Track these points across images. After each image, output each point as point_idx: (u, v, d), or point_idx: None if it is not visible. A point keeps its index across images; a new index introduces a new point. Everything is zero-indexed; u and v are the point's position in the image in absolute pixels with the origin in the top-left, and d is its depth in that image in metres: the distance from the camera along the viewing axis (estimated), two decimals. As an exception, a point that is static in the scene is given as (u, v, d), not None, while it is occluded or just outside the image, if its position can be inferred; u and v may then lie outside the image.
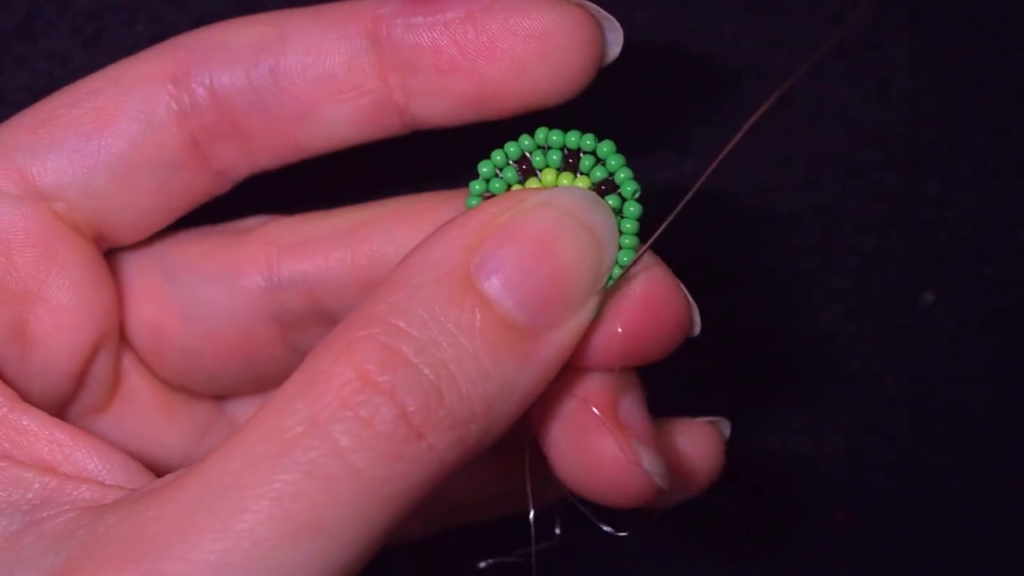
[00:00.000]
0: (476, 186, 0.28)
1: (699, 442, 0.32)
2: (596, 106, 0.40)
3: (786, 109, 0.41)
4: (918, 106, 0.42)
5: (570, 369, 0.27)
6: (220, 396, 0.35)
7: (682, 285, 0.28)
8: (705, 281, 0.42)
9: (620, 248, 0.27)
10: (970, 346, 0.44)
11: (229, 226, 0.34)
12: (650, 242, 0.27)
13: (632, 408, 0.29)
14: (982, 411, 0.45)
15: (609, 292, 0.27)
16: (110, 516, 0.23)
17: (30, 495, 0.25)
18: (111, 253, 0.33)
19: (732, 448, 0.44)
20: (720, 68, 0.41)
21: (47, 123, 0.30)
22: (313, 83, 0.30)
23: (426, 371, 0.24)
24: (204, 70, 0.30)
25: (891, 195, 0.42)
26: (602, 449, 0.28)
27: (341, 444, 0.23)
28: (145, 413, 0.33)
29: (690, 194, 0.27)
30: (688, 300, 0.29)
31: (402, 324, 0.24)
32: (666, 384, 0.43)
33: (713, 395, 0.44)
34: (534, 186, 0.28)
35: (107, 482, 0.26)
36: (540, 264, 0.25)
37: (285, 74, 0.30)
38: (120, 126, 0.30)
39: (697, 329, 0.29)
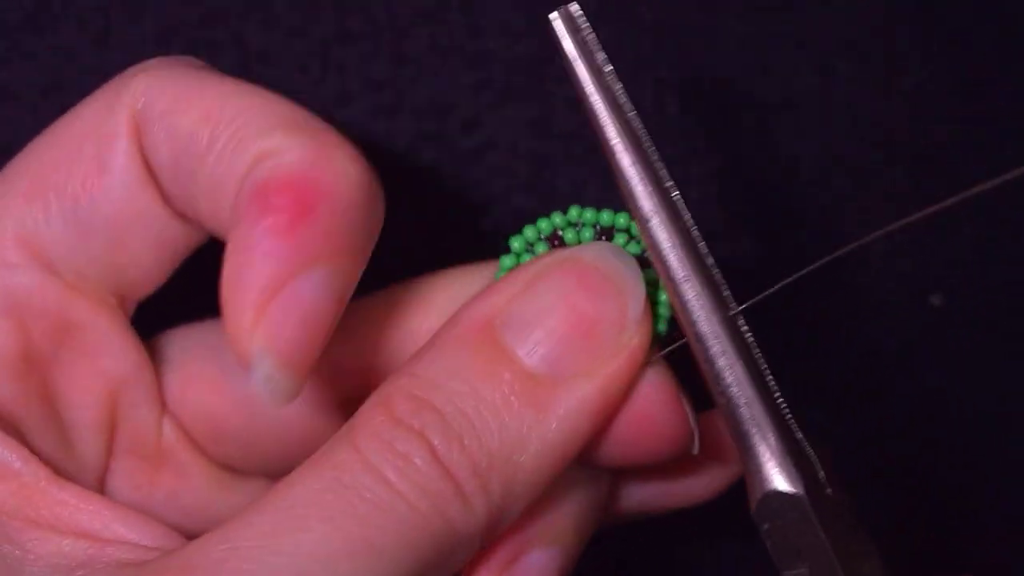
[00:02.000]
0: (507, 261, 0.29)
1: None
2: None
3: (794, 109, 0.41)
4: (926, 106, 0.42)
5: None
6: (275, 474, 0.35)
7: (687, 407, 0.28)
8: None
9: (656, 317, 0.27)
10: (978, 346, 0.44)
11: None
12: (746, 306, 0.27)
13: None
14: (990, 411, 0.45)
15: (648, 350, 0.27)
16: (153, 563, 0.24)
17: (70, 560, 0.25)
18: (162, 334, 0.33)
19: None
20: (729, 68, 0.41)
21: (40, 190, 0.29)
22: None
23: (449, 419, 0.25)
24: (154, 131, 0.29)
25: (899, 195, 0.42)
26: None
27: (387, 475, 0.24)
28: (196, 489, 0.33)
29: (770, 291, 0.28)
30: (689, 423, 0.28)
31: (430, 374, 0.25)
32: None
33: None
34: None
35: (148, 546, 0.26)
36: (560, 315, 0.26)
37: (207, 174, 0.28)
38: (106, 191, 0.29)
39: (695, 450, 0.29)
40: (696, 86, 0.40)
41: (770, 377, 0.27)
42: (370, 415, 0.25)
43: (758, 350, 0.27)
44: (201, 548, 0.24)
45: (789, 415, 0.27)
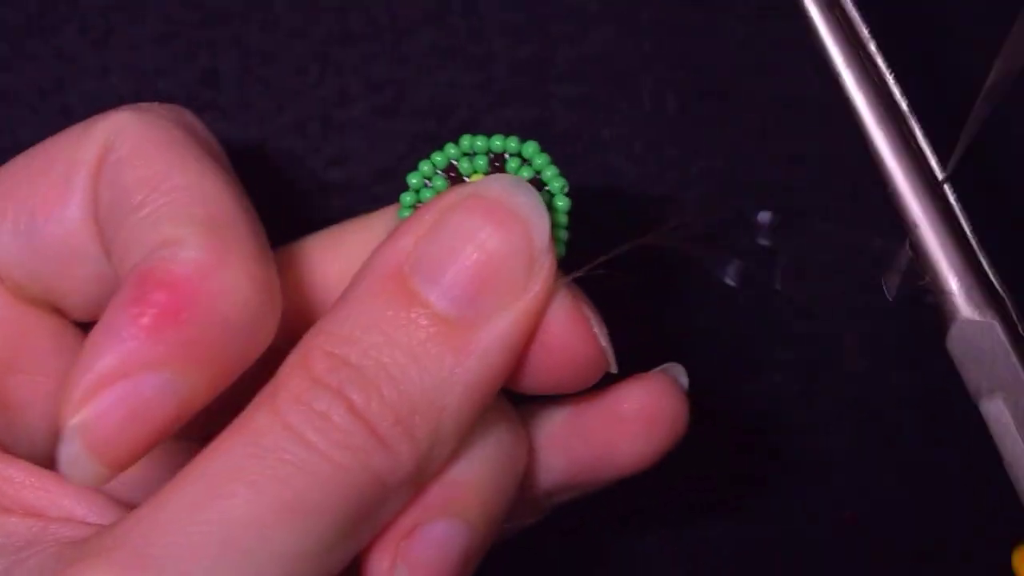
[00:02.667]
0: (407, 197, 0.29)
1: (657, 393, 0.32)
2: (602, 109, 0.40)
3: (796, 108, 0.41)
4: (924, 107, 0.41)
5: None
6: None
7: (597, 323, 0.28)
8: (714, 280, 0.42)
9: (556, 241, 0.27)
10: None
11: None
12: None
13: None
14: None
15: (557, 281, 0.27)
16: (88, 540, 0.24)
17: (16, 539, 0.25)
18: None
19: (741, 448, 0.44)
20: (729, 68, 0.40)
21: (3, 201, 0.29)
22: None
23: (367, 372, 0.25)
24: (105, 178, 0.29)
25: (900, 195, 0.42)
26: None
27: (307, 436, 0.24)
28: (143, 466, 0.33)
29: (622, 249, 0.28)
30: (600, 341, 0.28)
31: (344, 331, 0.25)
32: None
33: (720, 393, 0.44)
34: None
35: (92, 523, 0.26)
36: (467, 255, 0.26)
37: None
38: (62, 214, 0.29)
39: (613, 368, 0.29)
40: (696, 86, 0.40)
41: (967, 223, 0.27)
42: (288, 377, 0.25)
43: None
44: (129, 524, 0.24)
45: (984, 257, 0.27)
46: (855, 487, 0.45)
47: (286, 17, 0.39)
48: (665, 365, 0.32)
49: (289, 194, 0.38)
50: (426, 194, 0.29)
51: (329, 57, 0.39)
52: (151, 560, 0.23)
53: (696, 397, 0.43)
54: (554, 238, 0.27)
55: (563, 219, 0.28)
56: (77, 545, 0.24)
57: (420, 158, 0.29)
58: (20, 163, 0.29)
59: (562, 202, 0.28)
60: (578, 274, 0.28)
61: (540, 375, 0.28)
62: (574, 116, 0.40)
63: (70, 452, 0.25)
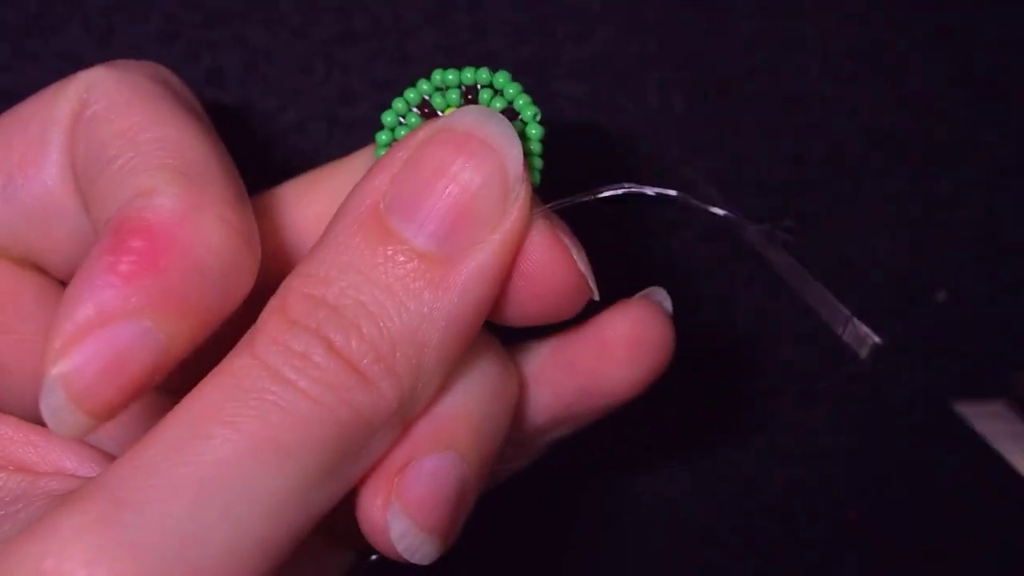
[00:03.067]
0: (383, 136, 0.28)
1: (641, 317, 0.31)
2: (606, 108, 0.40)
3: (799, 109, 0.41)
4: (929, 106, 0.42)
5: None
6: None
7: (576, 250, 0.28)
8: (718, 279, 0.42)
9: (530, 170, 0.27)
10: (983, 345, 0.44)
11: None
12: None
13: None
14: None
15: (529, 212, 0.27)
16: (75, 492, 0.24)
17: (6, 493, 0.25)
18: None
19: (746, 447, 0.44)
20: (734, 67, 0.41)
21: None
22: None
23: (345, 311, 0.25)
24: (80, 135, 0.29)
25: (903, 195, 0.42)
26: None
27: (286, 374, 0.24)
28: (129, 421, 0.32)
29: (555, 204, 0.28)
30: (579, 267, 0.28)
31: (322, 271, 0.25)
32: (681, 383, 0.43)
33: (725, 392, 0.44)
34: None
35: (83, 476, 0.26)
36: (441, 189, 0.25)
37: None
38: (40, 173, 0.29)
39: (595, 296, 0.29)
40: (700, 85, 0.40)
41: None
42: (266, 321, 0.25)
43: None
44: (111, 471, 0.23)
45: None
46: (857, 487, 0.45)
47: (289, 16, 0.39)
48: (647, 290, 0.32)
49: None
50: (401, 132, 0.28)
51: (333, 56, 0.39)
52: (130, 504, 0.22)
53: (696, 395, 0.43)
54: (528, 167, 0.27)
55: (537, 147, 0.28)
56: (64, 496, 0.24)
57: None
58: (6, 120, 0.29)
59: (535, 130, 0.28)
60: (558, 204, 0.28)
61: (523, 305, 0.28)
62: (578, 114, 0.40)
63: (52, 402, 0.24)
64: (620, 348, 0.31)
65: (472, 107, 0.27)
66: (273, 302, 0.25)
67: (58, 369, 0.24)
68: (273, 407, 0.24)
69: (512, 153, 0.26)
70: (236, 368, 0.24)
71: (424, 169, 0.26)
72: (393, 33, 0.39)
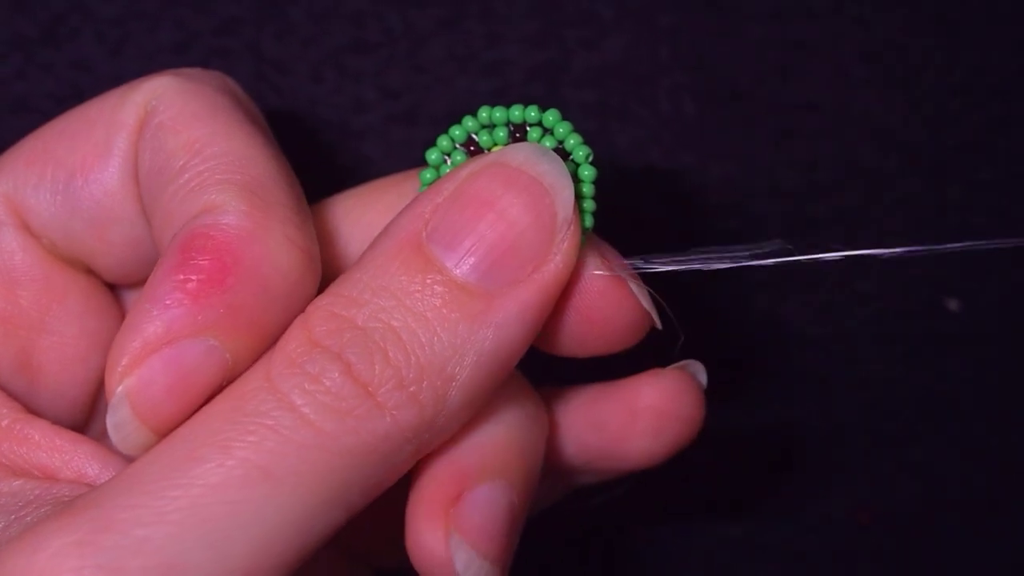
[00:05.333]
0: (427, 175, 0.28)
1: (674, 391, 0.31)
2: (618, 114, 0.40)
3: (811, 114, 0.41)
4: (942, 111, 0.42)
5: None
6: None
7: (636, 284, 0.28)
8: (730, 284, 0.42)
9: (582, 212, 0.27)
10: (995, 350, 0.44)
11: None
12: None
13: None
14: (1006, 415, 0.45)
15: (577, 250, 0.26)
16: (74, 500, 0.24)
17: (20, 499, 0.25)
18: (122, 291, 0.32)
19: (757, 448, 0.44)
20: (745, 73, 0.40)
21: (40, 157, 0.29)
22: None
23: (373, 335, 0.24)
24: (147, 143, 0.28)
25: (915, 200, 0.42)
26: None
27: (292, 399, 0.24)
28: None
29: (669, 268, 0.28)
30: (642, 304, 0.28)
31: (355, 293, 0.25)
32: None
33: (735, 396, 0.44)
34: None
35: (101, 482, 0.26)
36: (488, 223, 0.25)
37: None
38: (101, 176, 0.29)
39: (658, 325, 0.28)
40: (713, 91, 0.40)
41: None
42: (288, 340, 0.25)
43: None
44: (108, 485, 0.23)
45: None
46: (870, 489, 0.45)
47: (301, 25, 0.39)
48: (684, 362, 0.32)
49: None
50: (445, 170, 0.28)
51: (345, 65, 0.39)
52: (114, 526, 0.22)
53: (710, 398, 0.43)
54: (580, 209, 0.27)
55: (589, 189, 0.27)
56: (64, 503, 0.24)
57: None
58: (60, 123, 0.29)
59: (588, 171, 0.27)
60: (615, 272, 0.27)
61: (583, 338, 0.28)
62: (590, 122, 0.40)
63: (118, 418, 0.25)
64: (649, 419, 0.31)
65: (526, 143, 0.26)
66: (299, 319, 0.25)
67: (125, 386, 0.24)
68: (270, 433, 0.23)
69: (564, 194, 0.25)
70: (244, 390, 0.24)
71: (472, 200, 0.25)
72: (405, 41, 0.39)
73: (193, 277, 0.25)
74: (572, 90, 0.40)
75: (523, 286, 0.25)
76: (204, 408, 0.24)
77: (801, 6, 0.40)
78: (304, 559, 0.24)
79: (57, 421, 0.29)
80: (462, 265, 0.25)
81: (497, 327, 0.25)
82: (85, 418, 0.31)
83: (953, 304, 0.43)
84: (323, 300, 0.25)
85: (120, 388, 0.24)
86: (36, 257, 0.29)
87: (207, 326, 0.25)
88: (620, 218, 0.40)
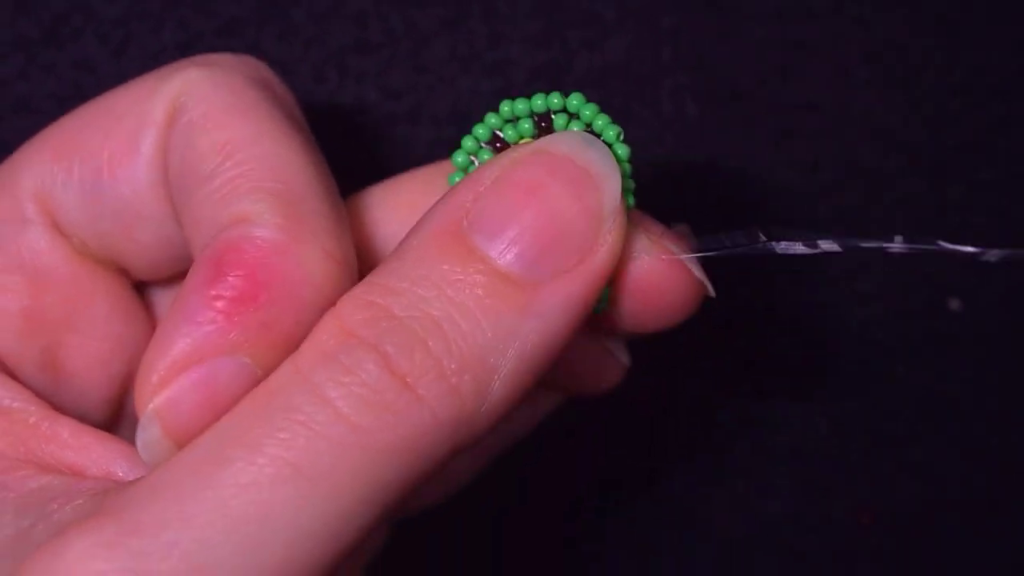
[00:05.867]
0: (456, 178, 0.27)
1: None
2: (620, 114, 0.40)
3: (812, 114, 0.41)
4: (942, 111, 0.42)
5: None
6: None
7: (688, 258, 0.27)
8: (732, 285, 0.42)
9: (627, 192, 0.26)
10: (996, 351, 0.44)
11: None
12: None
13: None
14: (1006, 415, 0.45)
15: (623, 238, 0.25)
16: (104, 495, 0.23)
17: (47, 494, 0.25)
18: (150, 289, 0.32)
19: (758, 447, 0.44)
20: (747, 74, 0.41)
21: (68, 152, 0.28)
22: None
23: (412, 324, 0.23)
24: (177, 140, 0.27)
25: (916, 200, 0.42)
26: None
27: (325, 392, 0.22)
28: None
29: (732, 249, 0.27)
30: (696, 276, 0.27)
31: (392, 282, 0.24)
32: (691, 383, 0.43)
33: (738, 396, 0.44)
34: None
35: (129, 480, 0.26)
36: (533, 212, 0.24)
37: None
38: (129, 174, 0.28)
39: (711, 292, 0.28)
40: (714, 92, 0.40)
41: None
42: (320, 329, 0.23)
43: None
44: (138, 486, 0.23)
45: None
46: (870, 489, 0.45)
47: (303, 25, 0.39)
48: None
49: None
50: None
51: (347, 65, 0.39)
52: (142, 528, 0.22)
53: (710, 398, 0.43)
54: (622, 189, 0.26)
55: (626, 167, 0.26)
56: (96, 499, 0.23)
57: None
58: (85, 115, 0.28)
59: (621, 149, 0.26)
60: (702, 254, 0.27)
61: (634, 318, 0.27)
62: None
63: (148, 436, 0.24)
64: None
65: (572, 132, 0.25)
66: (330, 311, 0.24)
67: (155, 404, 0.24)
68: (302, 429, 0.22)
69: (611, 183, 0.24)
70: (275, 384, 0.23)
71: (516, 189, 0.24)
72: (407, 42, 0.39)
73: (225, 294, 0.24)
74: (574, 89, 0.40)
75: (568, 276, 0.24)
76: (233, 409, 0.23)
77: (801, 7, 0.40)
78: (338, 561, 0.23)
79: (82, 421, 0.28)
80: (506, 254, 0.24)
81: (542, 318, 0.24)
82: (110, 419, 0.30)
83: (954, 304, 0.43)
84: (357, 290, 0.24)
85: (150, 406, 0.24)
86: (64, 256, 0.29)
87: (239, 344, 0.24)
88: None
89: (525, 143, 0.26)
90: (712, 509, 0.44)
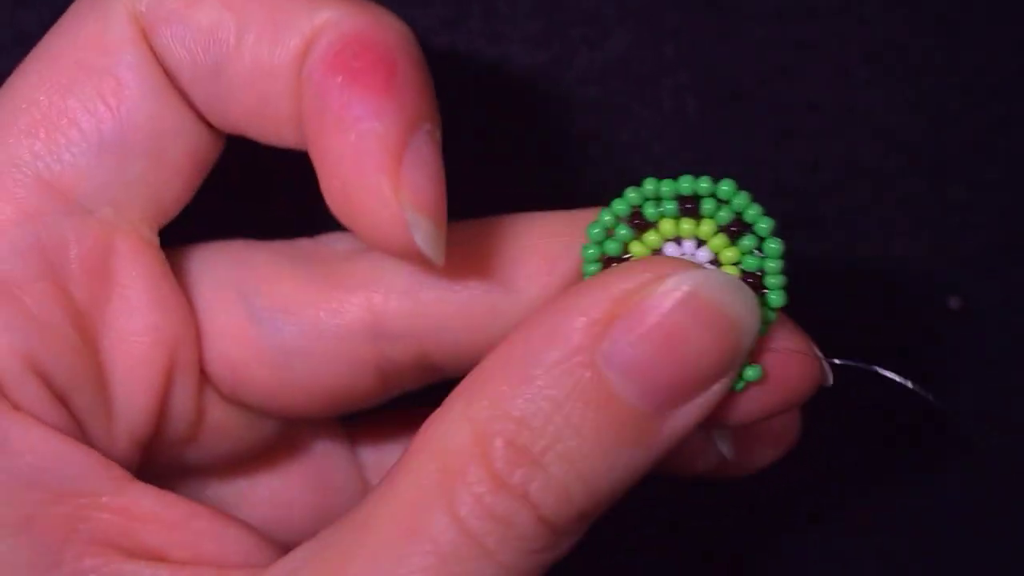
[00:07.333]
0: (589, 251, 0.26)
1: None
2: (620, 112, 0.40)
3: (813, 114, 0.41)
4: (944, 110, 0.42)
5: None
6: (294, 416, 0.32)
7: (809, 347, 0.27)
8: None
9: (769, 290, 0.26)
10: (996, 351, 0.44)
11: (307, 246, 0.31)
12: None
13: None
14: (1008, 416, 0.45)
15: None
16: None
17: None
18: (184, 281, 0.30)
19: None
20: (748, 73, 0.41)
21: (53, 120, 0.26)
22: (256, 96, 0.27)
23: (554, 469, 0.23)
24: (164, 33, 0.26)
25: (917, 200, 0.42)
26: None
27: (488, 545, 0.23)
28: (229, 439, 0.31)
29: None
30: (822, 369, 0.28)
31: (527, 418, 0.23)
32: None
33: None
34: (652, 240, 0.26)
35: (223, 565, 0.25)
36: (673, 359, 0.24)
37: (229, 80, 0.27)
38: (128, 104, 0.26)
39: (829, 381, 0.28)
40: (715, 91, 0.40)
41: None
42: (466, 470, 0.23)
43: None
44: None
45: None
46: (870, 488, 0.45)
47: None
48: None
49: (314, 197, 0.38)
50: (611, 245, 0.26)
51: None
52: None
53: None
54: (767, 286, 0.26)
55: (776, 264, 0.26)
56: None
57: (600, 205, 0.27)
58: (37, 75, 0.27)
59: (774, 245, 0.26)
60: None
61: (760, 410, 0.27)
62: (593, 120, 0.40)
63: (423, 235, 0.24)
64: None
65: (721, 276, 0.25)
66: (468, 436, 0.24)
67: (409, 203, 0.24)
68: (460, 567, 0.23)
69: (753, 331, 0.25)
70: (435, 530, 0.23)
71: (659, 331, 0.24)
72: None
73: (375, 79, 0.24)
74: (574, 88, 0.40)
75: (694, 405, 0.24)
76: (378, 533, 0.23)
77: (802, 6, 0.40)
78: None
79: (129, 434, 0.27)
80: (644, 397, 0.24)
81: (660, 447, 0.24)
82: (155, 426, 0.29)
83: (954, 303, 0.43)
84: (499, 423, 0.23)
85: (408, 209, 0.24)
86: (89, 241, 0.27)
87: (416, 116, 0.24)
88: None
89: (667, 263, 0.25)
90: (712, 507, 0.44)
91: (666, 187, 0.26)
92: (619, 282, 0.24)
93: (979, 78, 0.41)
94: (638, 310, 0.24)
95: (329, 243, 0.31)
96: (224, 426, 0.30)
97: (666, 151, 0.40)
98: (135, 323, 0.27)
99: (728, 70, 0.40)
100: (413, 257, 0.25)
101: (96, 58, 0.26)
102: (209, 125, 0.28)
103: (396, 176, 0.24)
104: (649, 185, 0.26)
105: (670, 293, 0.24)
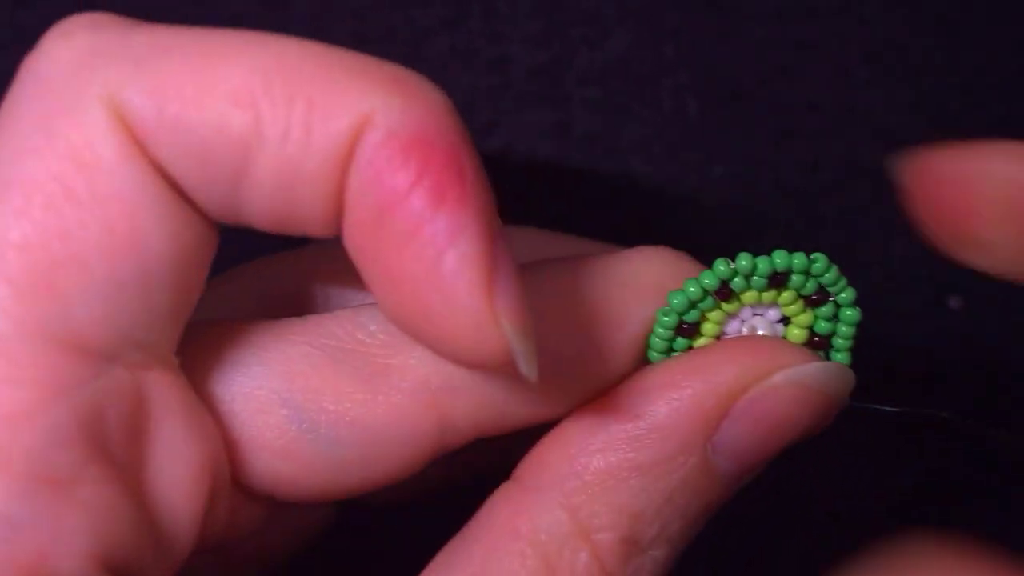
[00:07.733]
0: (665, 319, 0.26)
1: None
2: (621, 112, 0.40)
3: (813, 114, 0.41)
4: (944, 110, 0.42)
5: None
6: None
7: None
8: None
9: (836, 351, 0.27)
10: (996, 351, 0.44)
11: (339, 332, 0.26)
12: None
13: None
14: (1008, 416, 0.45)
15: None
16: None
17: None
18: (209, 393, 0.26)
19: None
20: (748, 73, 0.41)
21: (53, 270, 0.22)
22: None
23: (658, 552, 0.25)
24: (171, 145, 0.22)
25: (917, 200, 0.42)
26: None
27: None
28: (253, 525, 0.28)
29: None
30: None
31: (640, 512, 0.24)
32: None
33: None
34: (732, 309, 0.27)
35: None
36: (777, 436, 0.25)
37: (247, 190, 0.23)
38: (146, 230, 0.22)
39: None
40: (716, 91, 0.40)
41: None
42: (576, 565, 0.24)
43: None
44: None
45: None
46: (870, 488, 0.45)
47: (302, 22, 0.39)
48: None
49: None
50: (692, 314, 0.26)
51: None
52: None
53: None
54: (836, 347, 0.27)
55: (849, 330, 0.27)
56: None
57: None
58: (13, 217, 0.22)
59: (850, 313, 0.27)
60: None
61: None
62: (593, 120, 0.40)
63: (523, 355, 0.21)
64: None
65: (832, 366, 0.26)
66: (579, 537, 0.24)
67: (508, 323, 0.21)
68: None
69: (841, 404, 0.26)
70: None
71: (768, 420, 0.25)
72: (407, 39, 0.39)
73: (453, 182, 0.21)
74: (575, 88, 0.40)
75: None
76: None
77: (802, 6, 0.40)
78: None
79: (171, 562, 0.25)
80: (742, 468, 0.25)
81: (727, 494, 0.26)
82: (194, 546, 0.25)
83: (954, 302, 0.43)
84: (607, 517, 0.24)
85: (509, 331, 0.21)
86: (125, 384, 0.23)
87: (489, 220, 0.22)
88: (621, 217, 0.40)
89: (775, 348, 0.26)
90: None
91: (761, 266, 0.26)
92: (726, 372, 0.25)
93: (979, 78, 0.41)
94: (751, 408, 0.25)
95: (362, 324, 0.26)
96: (249, 519, 0.28)
97: (666, 151, 0.40)
98: (176, 464, 0.24)
99: (728, 70, 0.40)
100: (501, 372, 0.23)
101: (88, 183, 0.22)
102: (213, 223, 0.24)
103: (492, 298, 0.21)
104: (743, 262, 0.26)
105: (783, 390, 0.25)
